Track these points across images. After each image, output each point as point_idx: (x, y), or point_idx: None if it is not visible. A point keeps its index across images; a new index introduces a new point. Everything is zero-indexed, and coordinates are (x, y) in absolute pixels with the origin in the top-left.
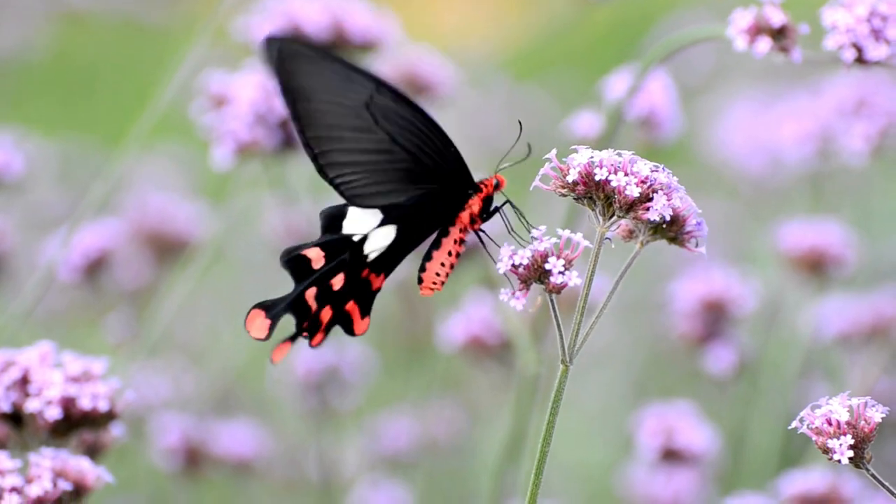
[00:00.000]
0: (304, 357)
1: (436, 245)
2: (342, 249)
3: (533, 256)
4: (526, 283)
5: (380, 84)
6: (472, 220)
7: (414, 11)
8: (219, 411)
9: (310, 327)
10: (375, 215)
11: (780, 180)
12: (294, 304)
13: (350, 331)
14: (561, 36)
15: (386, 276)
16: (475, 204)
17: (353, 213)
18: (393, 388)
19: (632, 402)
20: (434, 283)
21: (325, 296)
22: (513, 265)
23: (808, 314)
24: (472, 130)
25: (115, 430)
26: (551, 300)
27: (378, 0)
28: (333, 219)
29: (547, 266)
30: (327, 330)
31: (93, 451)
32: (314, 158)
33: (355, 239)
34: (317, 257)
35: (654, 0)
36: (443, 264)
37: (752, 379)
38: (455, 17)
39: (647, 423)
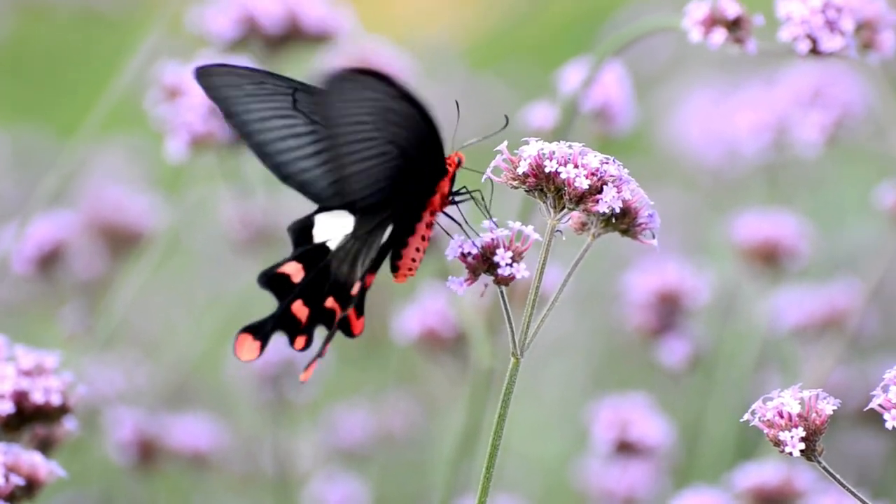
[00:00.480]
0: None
1: (410, 231)
2: (321, 258)
3: (482, 247)
4: (474, 272)
5: (392, 87)
6: (442, 203)
7: (373, 1)
8: (174, 404)
9: (306, 337)
10: (346, 216)
11: (737, 171)
12: (282, 320)
13: (349, 333)
14: (521, 25)
15: (376, 271)
16: (444, 185)
17: (321, 219)
18: (349, 381)
19: (591, 393)
20: (410, 269)
21: (316, 306)
22: (461, 254)
23: (764, 306)
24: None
25: (68, 424)
26: (501, 292)
27: None
28: (302, 231)
29: (495, 258)
30: (329, 338)
31: (45, 446)
32: (272, 170)
33: (331, 246)
34: (295, 271)
35: None
36: (418, 249)
37: (707, 371)
38: (414, 6)
39: (602, 415)
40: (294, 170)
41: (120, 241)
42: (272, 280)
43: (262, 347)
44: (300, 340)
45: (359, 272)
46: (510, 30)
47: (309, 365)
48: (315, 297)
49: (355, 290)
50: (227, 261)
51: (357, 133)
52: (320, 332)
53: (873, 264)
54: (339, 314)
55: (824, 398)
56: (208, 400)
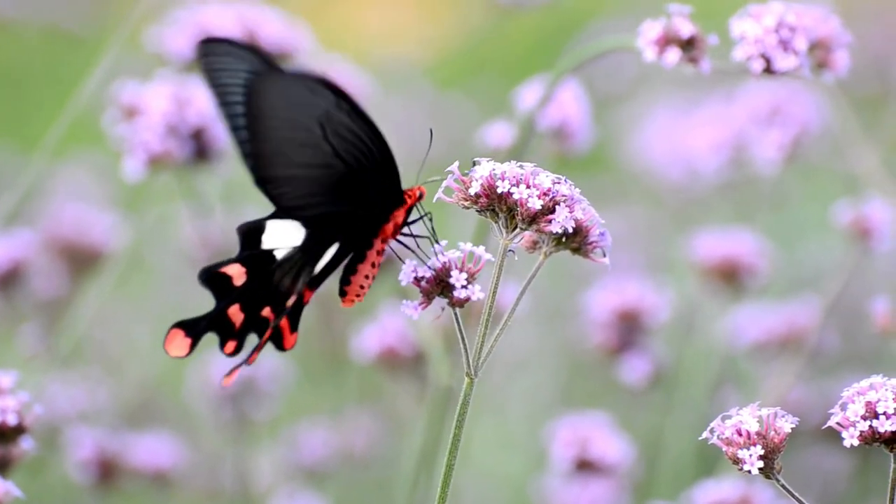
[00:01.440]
0: (220, 367)
1: (360, 257)
2: (265, 265)
3: (435, 271)
4: (428, 296)
5: (340, 97)
6: (394, 231)
7: (338, 17)
8: (135, 422)
9: (237, 343)
10: (298, 229)
11: (699, 188)
12: (216, 321)
13: (280, 346)
14: (486, 43)
15: (315, 289)
16: (400, 215)
17: (273, 227)
18: (310, 399)
19: (555, 409)
20: (358, 295)
21: (251, 313)
22: (415, 278)
23: (724, 323)
24: (395, 139)
25: (25, 444)
26: (455, 314)
27: (300, 6)
28: (252, 233)
29: (450, 280)
30: (260, 347)
31: (2, 466)
32: (253, 170)
33: (278, 255)
34: (238, 274)
35: (579, 7)
36: (367, 276)
37: (668, 388)
38: (379, 23)
39: (561, 433)
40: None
41: (80, 260)
42: (213, 278)
43: (193, 346)
44: (230, 345)
45: (299, 286)
46: (477, 47)
47: (232, 370)
48: (252, 304)
49: (290, 302)
50: (187, 278)
51: (294, 135)
52: (251, 341)
53: (832, 281)
54: (271, 324)
55: (783, 416)
56: (169, 418)
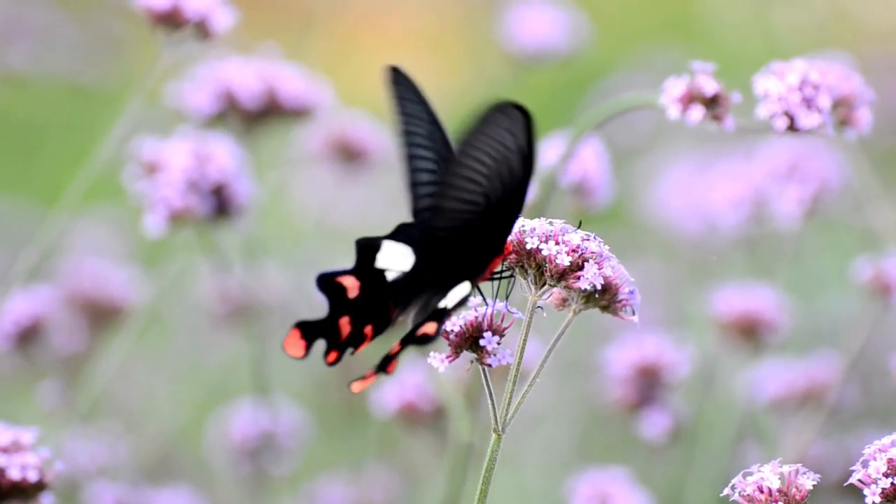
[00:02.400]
0: (239, 422)
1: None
2: (377, 283)
3: (465, 324)
4: (457, 350)
5: (530, 140)
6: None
7: (356, 70)
8: (155, 477)
9: (338, 354)
10: (408, 255)
11: (717, 243)
12: (327, 329)
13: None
14: (504, 94)
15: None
16: (496, 264)
17: (388, 247)
18: (329, 454)
19: (573, 463)
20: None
21: (357, 328)
22: (444, 330)
23: (743, 378)
24: None
25: (46, 501)
26: (483, 370)
27: (315, 62)
28: (368, 250)
29: (481, 342)
30: (393, 358)
31: None
32: (425, 198)
33: (388, 276)
34: (352, 286)
35: (595, 62)
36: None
37: (688, 443)
38: None
39: (582, 488)
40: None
41: (100, 315)
42: (329, 286)
43: (307, 349)
44: (333, 355)
45: (399, 312)
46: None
47: (367, 377)
48: (360, 320)
49: (427, 330)
50: (206, 333)
51: (476, 168)
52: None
53: (852, 336)
54: (367, 342)
55: (804, 473)
56: (189, 473)
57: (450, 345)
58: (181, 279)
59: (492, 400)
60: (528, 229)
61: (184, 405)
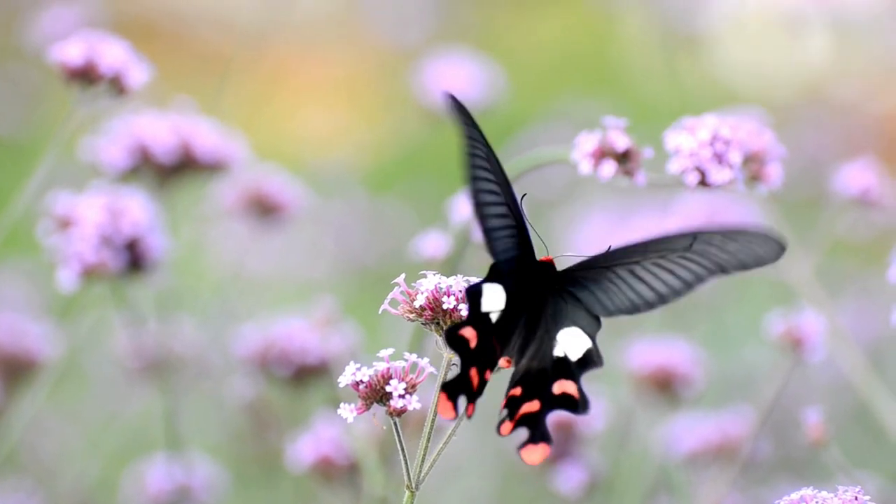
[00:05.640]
0: (154, 475)
1: None
2: (486, 328)
3: (375, 376)
4: (366, 401)
5: None
6: None
7: (272, 124)
8: None
9: (474, 406)
10: (500, 294)
11: None
12: (461, 384)
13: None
14: (421, 148)
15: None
16: None
17: (486, 289)
18: (245, 502)
19: None
20: None
21: (482, 376)
22: (354, 382)
23: (659, 432)
24: (335, 245)
25: None
26: (395, 423)
27: (232, 112)
28: (475, 296)
29: (388, 388)
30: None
31: None
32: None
33: (492, 318)
34: (471, 336)
35: (514, 114)
36: None
37: (604, 497)
38: (314, 129)
39: None
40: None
41: (14, 369)
42: (455, 340)
43: (454, 409)
44: (470, 408)
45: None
46: (412, 152)
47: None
48: (482, 367)
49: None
50: (122, 386)
51: None
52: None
53: (766, 390)
54: (482, 386)
55: None
56: None
57: (360, 396)
58: (96, 333)
59: (404, 455)
60: (444, 288)
61: (99, 458)
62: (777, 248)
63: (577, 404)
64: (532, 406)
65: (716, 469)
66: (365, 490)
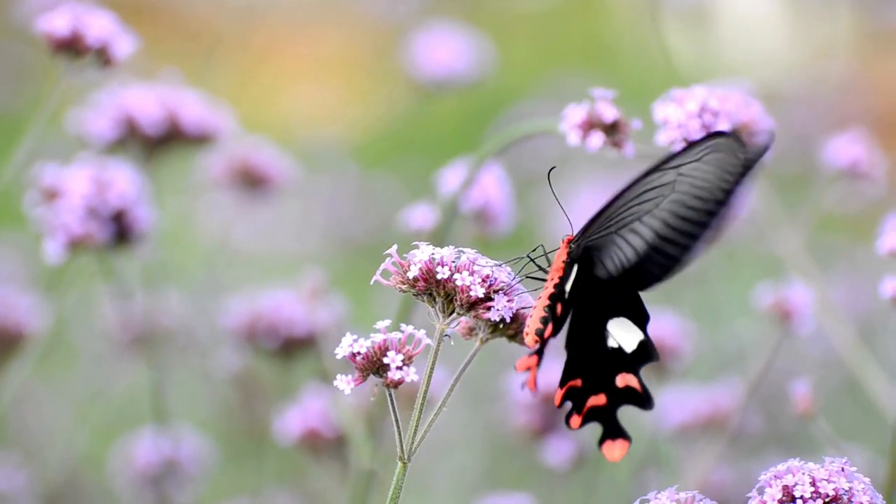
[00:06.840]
0: (142, 449)
1: None
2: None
3: (372, 347)
4: (363, 372)
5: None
6: None
7: (262, 99)
8: None
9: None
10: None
11: None
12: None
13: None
14: (411, 123)
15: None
16: None
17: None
18: (232, 480)
19: (480, 491)
20: None
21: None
22: (352, 353)
23: None
24: (324, 219)
25: None
26: (390, 395)
27: (221, 87)
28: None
29: (385, 360)
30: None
31: None
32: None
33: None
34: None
35: (506, 88)
36: None
37: (591, 470)
38: (305, 104)
39: None
40: None
41: (1, 342)
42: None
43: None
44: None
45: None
46: (402, 127)
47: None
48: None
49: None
50: (109, 359)
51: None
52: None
53: (755, 363)
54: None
55: (700, 500)
56: (92, 500)
57: (357, 367)
58: (83, 306)
59: (398, 427)
60: (437, 258)
61: (86, 432)
62: (737, 144)
63: (641, 398)
64: (598, 399)
65: (704, 442)
66: (352, 463)
